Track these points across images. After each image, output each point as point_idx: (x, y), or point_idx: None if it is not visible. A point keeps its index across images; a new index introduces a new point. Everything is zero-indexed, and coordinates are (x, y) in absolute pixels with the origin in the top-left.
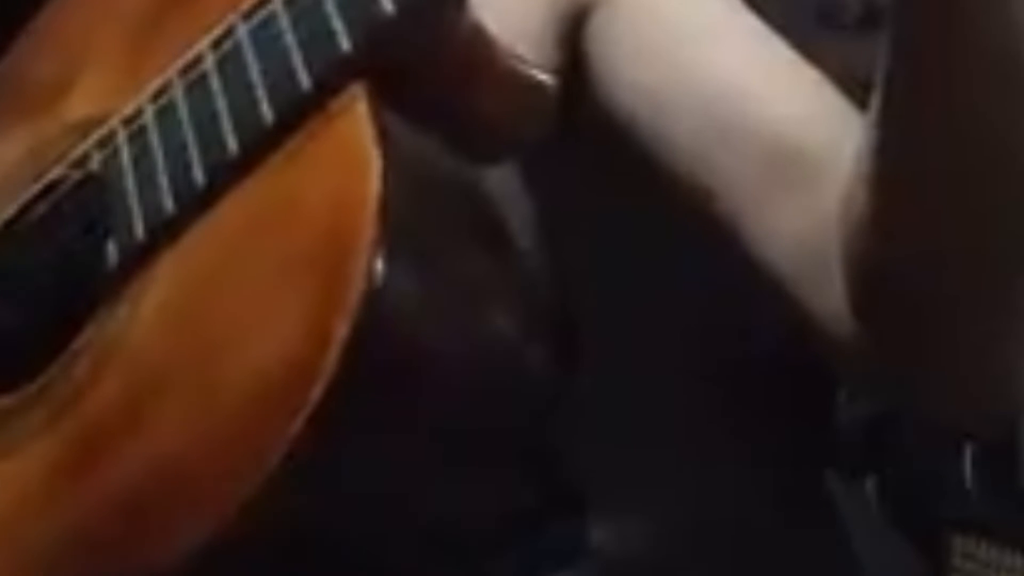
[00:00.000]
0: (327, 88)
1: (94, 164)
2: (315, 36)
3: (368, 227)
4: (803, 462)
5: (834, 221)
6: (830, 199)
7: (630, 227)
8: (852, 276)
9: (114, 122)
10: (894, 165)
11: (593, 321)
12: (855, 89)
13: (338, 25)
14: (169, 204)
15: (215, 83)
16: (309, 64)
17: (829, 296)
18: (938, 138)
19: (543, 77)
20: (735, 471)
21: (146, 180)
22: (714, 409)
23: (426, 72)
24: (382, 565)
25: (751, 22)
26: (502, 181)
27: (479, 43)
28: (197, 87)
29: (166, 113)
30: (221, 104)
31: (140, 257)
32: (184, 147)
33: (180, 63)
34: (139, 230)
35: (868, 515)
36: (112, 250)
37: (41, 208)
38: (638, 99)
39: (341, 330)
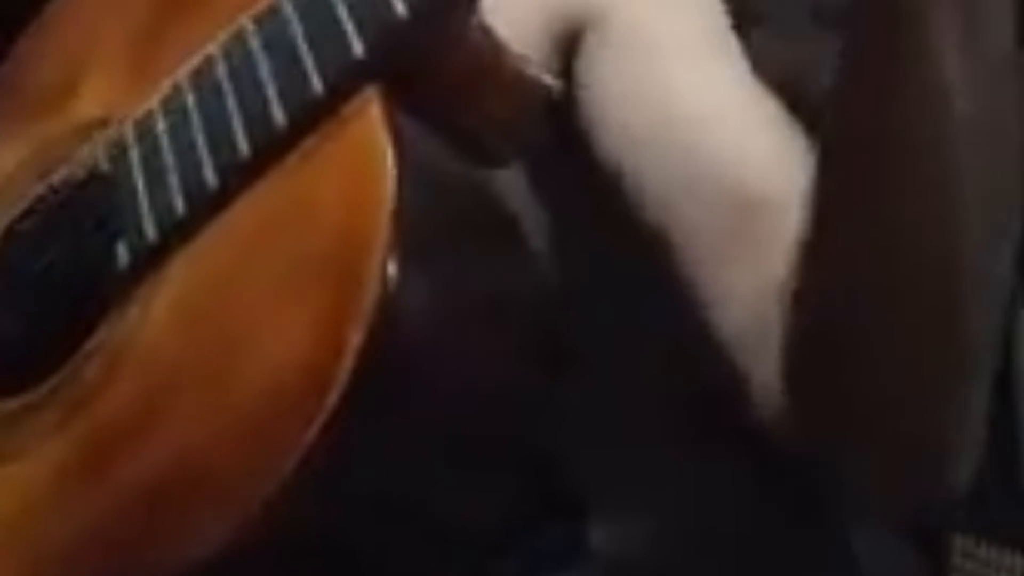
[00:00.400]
0: (339, 91)
1: (102, 164)
2: (327, 39)
3: (383, 229)
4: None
5: (779, 286)
6: (781, 262)
7: (630, 228)
8: (785, 344)
9: (123, 123)
10: (826, 234)
11: (594, 321)
12: None
13: (350, 28)
14: (180, 205)
15: (226, 85)
16: (321, 67)
17: (766, 368)
18: (858, 219)
19: (548, 79)
20: (735, 472)
21: (156, 181)
22: (713, 410)
23: (434, 74)
24: (384, 566)
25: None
26: (512, 184)
27: (487, 46)
28: (208, 89)
29: (176, 114)
30: (232, 106)
31: (152, 258)
32: (194, 148)
33: (190, 65)
34: (151, 231)
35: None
36: (123, 251)
37: (48, 207)
38: (624, 146)
39: (356, 338)
